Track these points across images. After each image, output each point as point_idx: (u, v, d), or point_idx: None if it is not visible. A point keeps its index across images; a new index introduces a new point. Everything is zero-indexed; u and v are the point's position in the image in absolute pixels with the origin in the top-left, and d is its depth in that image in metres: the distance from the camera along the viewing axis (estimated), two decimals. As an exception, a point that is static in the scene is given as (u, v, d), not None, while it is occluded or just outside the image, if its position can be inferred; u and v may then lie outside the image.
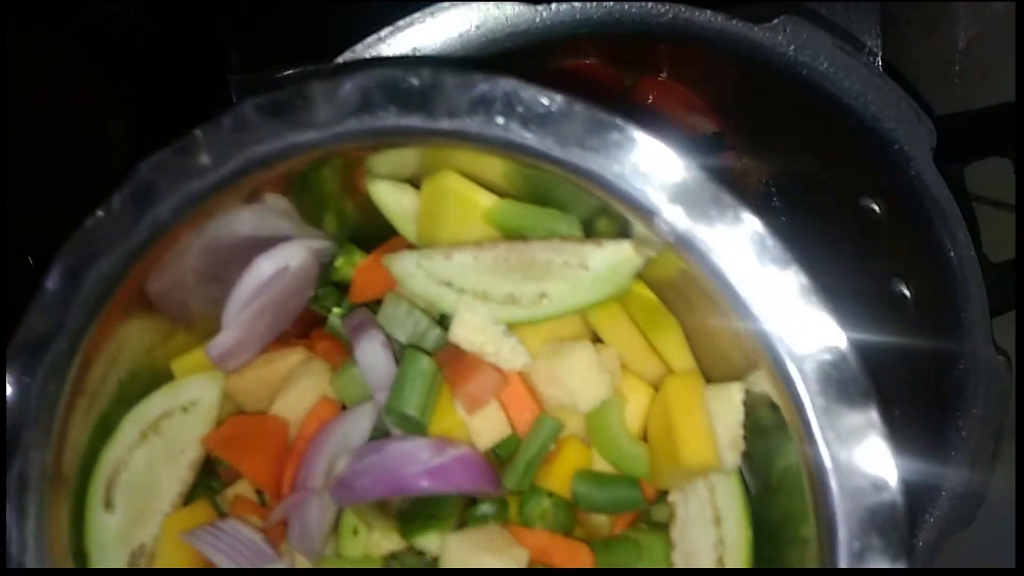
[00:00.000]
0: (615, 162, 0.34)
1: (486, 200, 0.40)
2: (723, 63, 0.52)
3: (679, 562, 0.40)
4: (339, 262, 0.44)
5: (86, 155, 0.74)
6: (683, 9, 0.49)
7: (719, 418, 0.39)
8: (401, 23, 0.48)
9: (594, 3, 0.48)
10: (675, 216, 0.34)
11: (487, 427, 0.40)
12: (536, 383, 0.41)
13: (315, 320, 0.46)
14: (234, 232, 0.39)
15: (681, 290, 0.39)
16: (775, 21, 0.49)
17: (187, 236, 0.37)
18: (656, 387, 0.42)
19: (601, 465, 0.42)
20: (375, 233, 0.44)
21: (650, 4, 0.48)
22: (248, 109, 0.35)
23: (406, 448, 0.39)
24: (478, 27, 0.48)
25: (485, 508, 0.41)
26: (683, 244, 0.35)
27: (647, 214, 0.35)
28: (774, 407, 0.36)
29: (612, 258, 0.38)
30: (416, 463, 0.38)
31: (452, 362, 0.40)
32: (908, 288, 0.55)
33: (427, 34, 0.48)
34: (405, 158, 0.39)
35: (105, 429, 0.40)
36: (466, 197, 0.40)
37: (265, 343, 0.43)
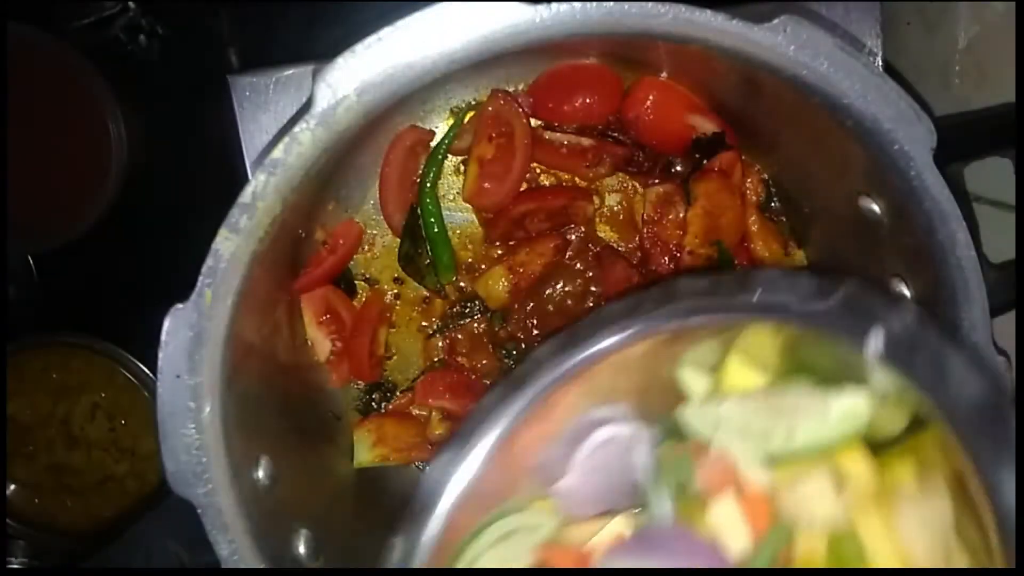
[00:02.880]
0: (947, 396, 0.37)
1: (759, 382, 0.45)
2: (723, 63, 0.52)
3: None
4: (662, 448, 0.46)
5: (86, 155, 0.74)
6: (683, 9, 0.48)
7: None
8: (401, 23, 0.48)
9: (594, 3, 0.48)
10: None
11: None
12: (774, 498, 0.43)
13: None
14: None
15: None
16: (775, 21, 0.49)
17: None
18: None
19: None
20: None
21: (650, 4, 0.48)
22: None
23: None
24: (478, 27, 0.48)
25: None
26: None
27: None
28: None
29: (846, 408, 0.42)
30: None
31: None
32: (908, 288, 0.55)
33: (427, 34, 0.48)
34: (713, 347, 0.44)
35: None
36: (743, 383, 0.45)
37: (596, 510, 0.47)
